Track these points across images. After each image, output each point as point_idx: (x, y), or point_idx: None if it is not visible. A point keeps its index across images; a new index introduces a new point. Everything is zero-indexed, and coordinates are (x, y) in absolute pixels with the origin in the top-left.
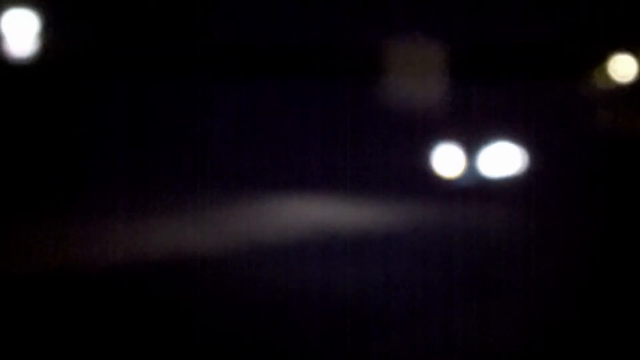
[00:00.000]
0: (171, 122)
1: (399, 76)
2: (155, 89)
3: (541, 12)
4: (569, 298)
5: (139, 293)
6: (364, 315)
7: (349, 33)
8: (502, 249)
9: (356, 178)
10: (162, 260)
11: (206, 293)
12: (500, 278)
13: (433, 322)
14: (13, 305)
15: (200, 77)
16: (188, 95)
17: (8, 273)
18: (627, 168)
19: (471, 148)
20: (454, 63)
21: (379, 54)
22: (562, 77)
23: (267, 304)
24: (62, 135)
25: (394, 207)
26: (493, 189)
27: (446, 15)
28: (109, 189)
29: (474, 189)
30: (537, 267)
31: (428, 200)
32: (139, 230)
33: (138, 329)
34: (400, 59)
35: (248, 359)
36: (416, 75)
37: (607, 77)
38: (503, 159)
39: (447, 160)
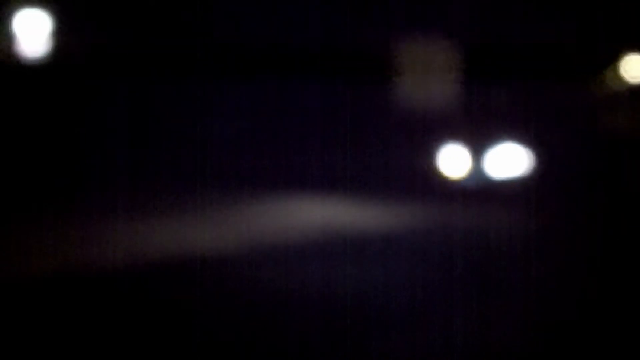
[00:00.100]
0: (172, 122)
1: (405, 77)
2: (155, 89)
3: (552, 13)
4: (571, 298)
5: (139, 293)
6: (367, 317)
7: (354, 33)
8: (508, 250)
9: (363, 179)
10: (163, 260)
11: (206, 293)
12: (505, 278)
13: (441, 325)
14: (13, 305)
15: (202, 77)
16: (189, 95)
17: (8, 273)
18: (639, 170)
19: (477, 149)
20: (461, 63)
21: (385, 54)
22: (573, 77)
23: (268, 304)
24: (62, 135)
25: (399, 208)
26: (499, 190)
27: (455, 15)
28: (110, 189)
29: (480, 190)
30: (543, 267)
31: (434, 201)
32: (139, 231)
33: (138, 329)
34: (407, 59)
35: (248, 359)
36: (422, 75)
37: (619, 78)
38: (509, 160)
39: (453, 161)
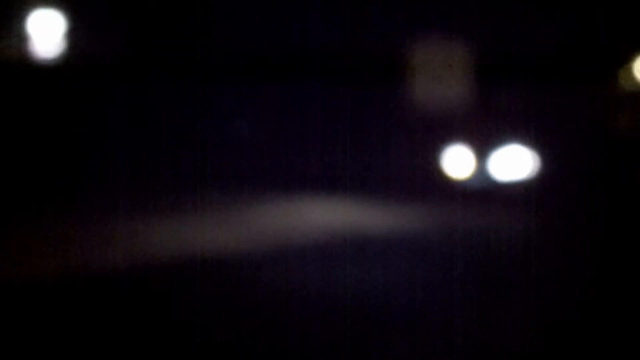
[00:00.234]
0: (173, 122)
1: (408, 77)
2: (155, 89)
3: (563, 13)
4: (573, 300)
5: (140, 293)
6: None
7: (357, 33)
8: (511, 252)
9: (365, 180)
10: (163, 260)
11: (207, 293)
12: (508, 280)
13: (442, 327)
14: (13, 305)
15: (202, 77)
16: (190, 95)
17: (8, 273)
18: None
19: (482, 150)
20: (466, 64)
21: (388, 55)
22: (581, 79)
23: (268, 305)
24: (62, 135)
25: (403, 209)
26: (503, 192)
27: (464, 15)
28: (111, 189)
29: (484, 192)
30: (548, 269)
31: (437, 202)
32: (139, 231)
33: (139, 329)
34: (411, 60)
35: (248, 359)
36: (426, 76)
37: (632, 79)
38: (515, 162)
39: (457, 162)
